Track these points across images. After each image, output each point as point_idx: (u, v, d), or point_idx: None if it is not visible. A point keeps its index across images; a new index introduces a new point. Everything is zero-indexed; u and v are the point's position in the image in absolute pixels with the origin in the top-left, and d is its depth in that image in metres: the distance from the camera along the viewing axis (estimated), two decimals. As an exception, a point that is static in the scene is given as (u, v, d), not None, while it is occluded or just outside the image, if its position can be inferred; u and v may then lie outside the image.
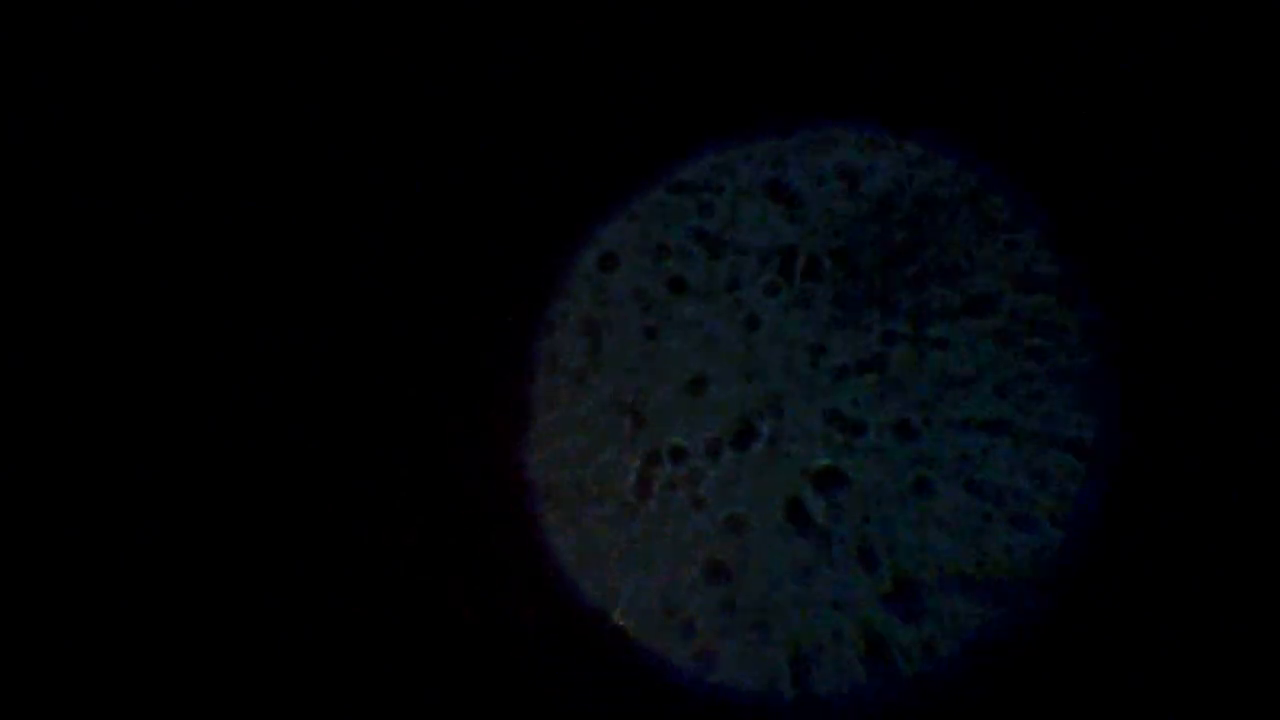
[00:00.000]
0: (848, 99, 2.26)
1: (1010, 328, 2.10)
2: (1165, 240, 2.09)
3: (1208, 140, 2.11)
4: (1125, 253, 2.10)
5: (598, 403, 2.19)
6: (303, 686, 2.07)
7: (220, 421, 2.20)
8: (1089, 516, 1.98)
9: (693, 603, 2.05)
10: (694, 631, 2.03)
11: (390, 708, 2.05)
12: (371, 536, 2.15)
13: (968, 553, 1.99)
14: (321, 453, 2.19)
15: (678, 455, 2.14)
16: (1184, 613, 1.90)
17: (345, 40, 2.36)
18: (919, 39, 2.24)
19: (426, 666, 2.07)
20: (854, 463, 2.08)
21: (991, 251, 2.15)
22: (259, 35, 2.35)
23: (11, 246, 2.26)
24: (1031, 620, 1.94)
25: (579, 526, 2.12)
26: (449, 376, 2.23)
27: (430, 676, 2.06)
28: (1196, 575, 1.91)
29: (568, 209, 2.30)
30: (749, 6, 2.30)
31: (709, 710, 2.00)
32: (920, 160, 2.21)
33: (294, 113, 2.35)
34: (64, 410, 2.20)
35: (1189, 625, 1.89)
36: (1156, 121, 2.14)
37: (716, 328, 2.20)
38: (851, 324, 2.16)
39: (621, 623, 2.05)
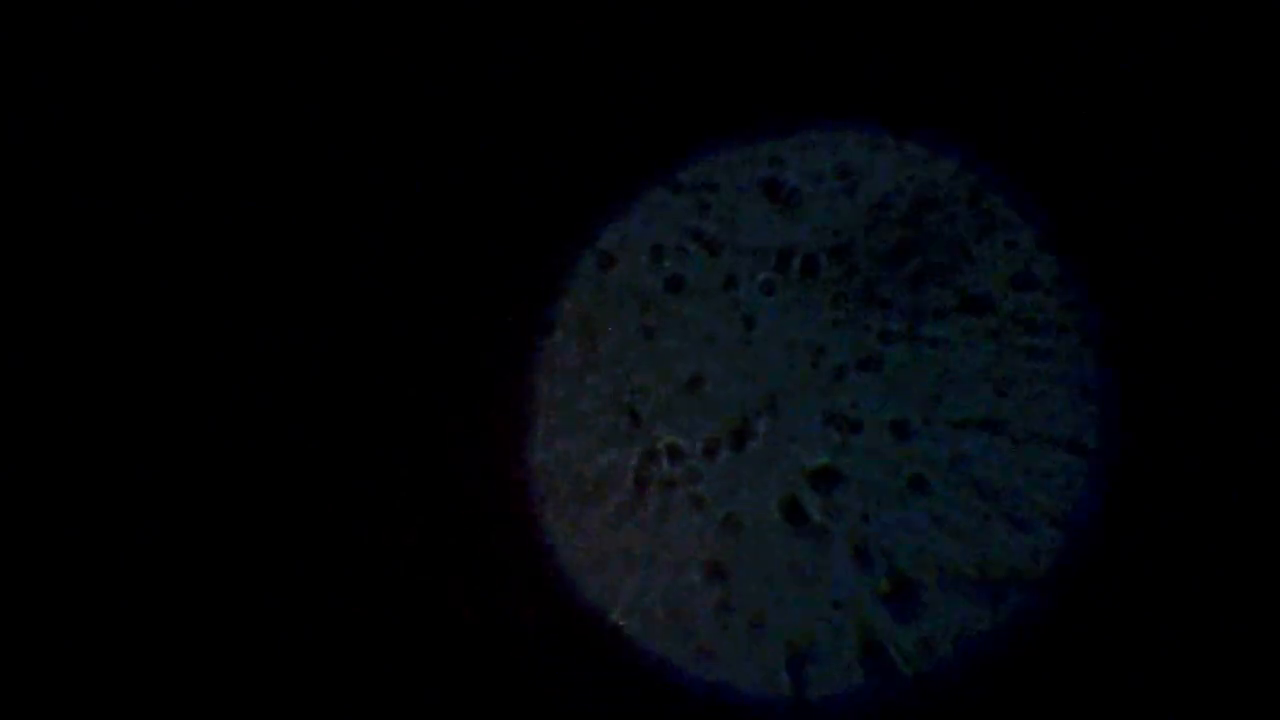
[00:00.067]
0: (848, 99, 2.26)
1: (1008, 327, 2.10)
2: (1165, 240, 2.09)
3: (1208, 140, 2.11)
4: (1125, 253, 2.10)
5: (596, 402, 2.19)
6: (303, 686, 2.07)
7: (220, 421, 2.20)
8: (1089, 516, 1.98)
9: (690, 602, 2.05)
10: (692, 631, 2.03)
11: (390, 708, 2.05)
12: (371, 536, 2.15)
13: (965, 553, 1.99)
14: (321, 453, 2.19)
15: (675, 454, 2.14)
16: (1184, 613, 1.89)
17: (345, 40, 2.36)
18: (919, 39, 2.24)
19: (426, 666, 2.07)
20: (851, 462, 2.08)
21: (990, 251, 2.15)
22: (259, 35, 2.35)
23: (11, 246, 2.27)
24: (1031, 620, 1.94)
25: (578, 526, 2.12)
26: (449, 376, 2.24)
27: (430, 676, 2.06)
28: (1196, 575, 1.91)
29: (568, 209, 2.30)
30: (749, 6, 2.30)
31: (708, 710, 2.00)
32: (920, 160, 2.21)
33: (294, 113, 2.35)
34: (64, 410, 2.20)
35: (1189, 625, 1.89)
36: (1156, 121, 2.14)
37: (714, 327, 2.20)
38: (849, 323, 2.16)
39: (621, 623, 2.06)
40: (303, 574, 2.13)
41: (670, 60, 2.32)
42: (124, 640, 2.09)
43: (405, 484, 2.17)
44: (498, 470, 2.18)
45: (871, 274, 2.17)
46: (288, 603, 2.11)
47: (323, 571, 2.13)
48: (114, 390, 2.21)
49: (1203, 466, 1.95)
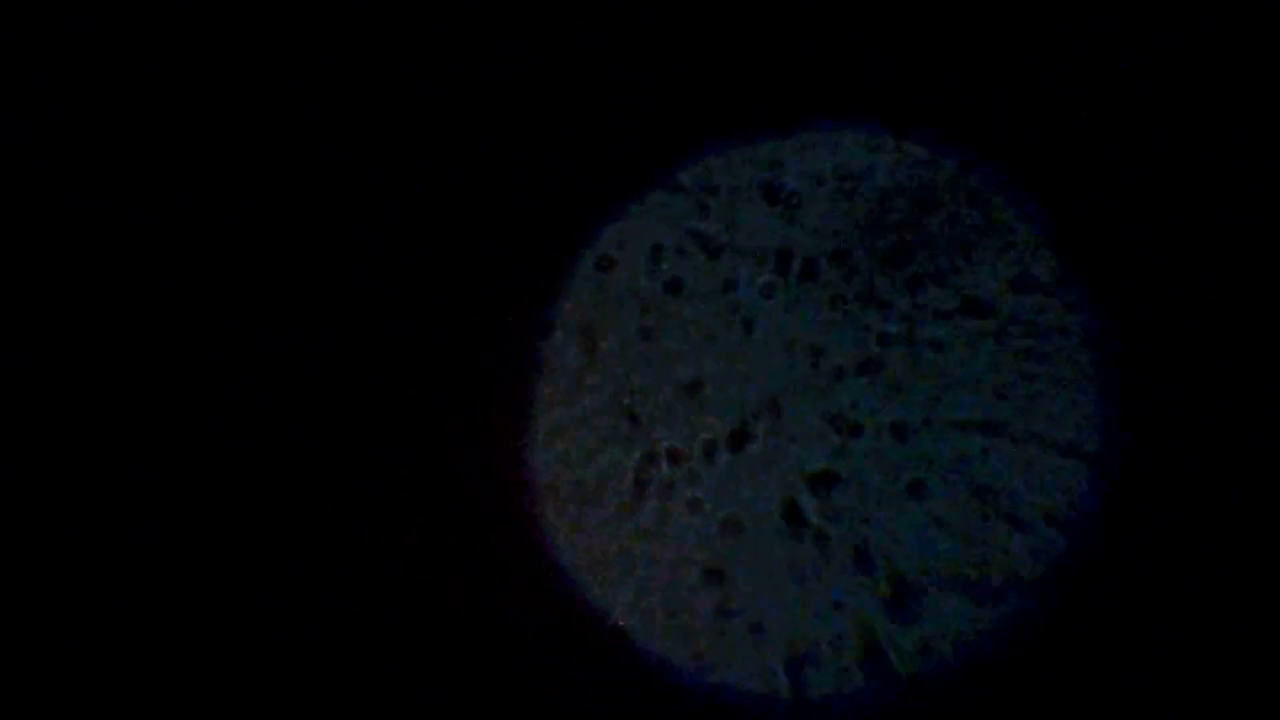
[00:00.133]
0: (848, 99, 2.26)
1: (1008, 329, 2.10)
2: (1165, 240, 2.08)
3: (1208, 140, 2.11)
4: (1125, 253, 2.10)
5: (595, 404, 2.19)
6: (303, 686, 2.07)
7: (220, 421, 2.20)
8: (1089, 517, 1.98)
9: (689, 605, 2.05)
10: (691, 633, 2.03)
11: (390, 708, 2.05)
12: (371, 536, 2.15)
13: (965, 554, 1.99)
14: (321, 453, 2.19)
15: (674, 457, 2.14)
16: (1184, 613, 1.89)
17: (345, 40, 2.35)
18: (919, 39, 2.24)
19: (426, 666, 2.07)
20: (850, 464, 2.08)
21: (989, 252, 2.14)
22: (259, 35, 2.35)
23: (11, 246, 2.27)
24: (1030, 621, 1.94)
25: (578, 527, 2.13)
26: (449, 376, 2.24)
27: (430, 676, 2.07)
28: (1196, 575, 1.91)
29: (568, 209, 2.30)
30: (749, 6, 2.30)
31: (708, 711, 2.00)
32: (920, 160, 2.21)
33: (294, 113, 2.35)
34: (64, 410, 2.20)
35: (1189, 625, 1.89)
36: (1156, 121, 2.14)
37: (713, 329, 2.20)
38: (848, 326, 2.15)
39: (621, 623, 2.06)
40: (303, 574, 2.13)
41: (670, 60, 2.31)
42: (124, 640, 2.09)
43: (405, 484, 2.17)
44: (498, 470, 2.18)
45: (871, 276, 2.17)
46: (288, 603, 2.11)
47: (323, 571, 2.13)
48: (114, 390, 2.21)
49: (1203, 466, 1.95)
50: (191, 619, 2.10)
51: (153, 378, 2.22)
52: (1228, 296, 2.03)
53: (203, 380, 2.23)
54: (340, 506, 2.16)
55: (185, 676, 2.08)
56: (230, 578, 2.12)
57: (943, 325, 2.12)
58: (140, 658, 2.09)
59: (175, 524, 2.15)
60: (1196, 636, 1.87)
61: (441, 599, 2.11)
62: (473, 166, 2.33)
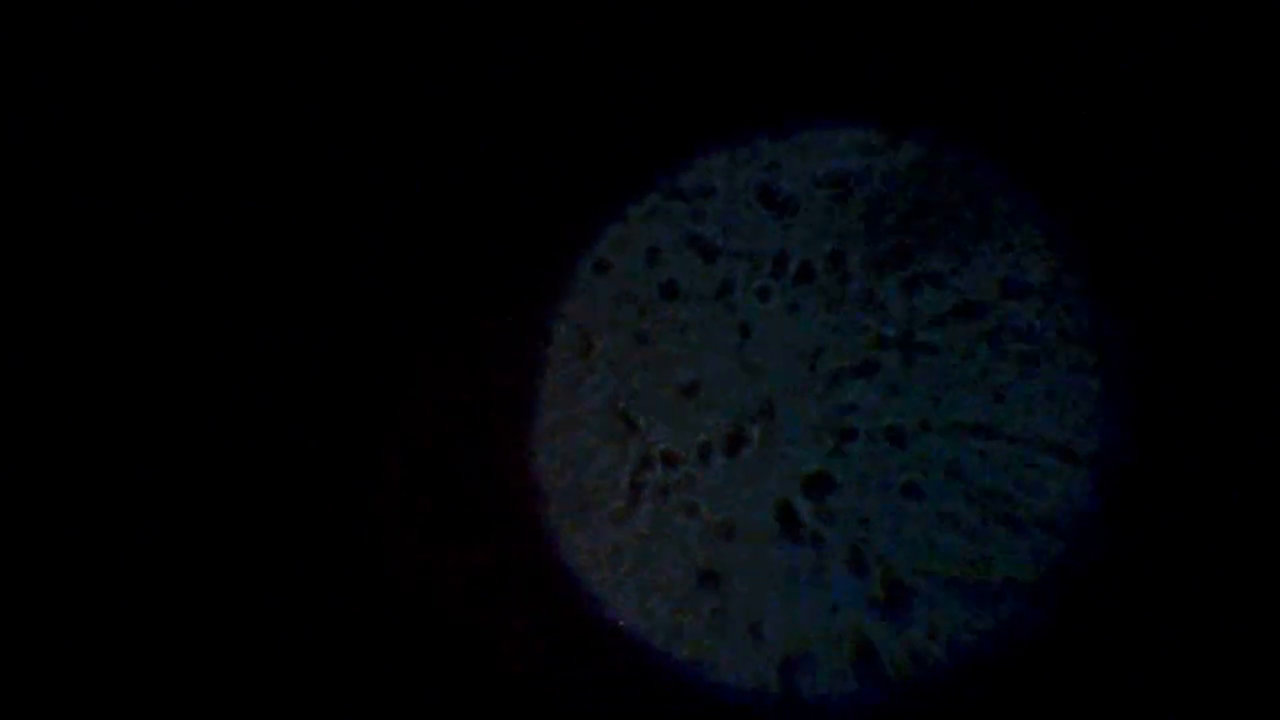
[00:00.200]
0: (848, 99, 2.26)
1: (1005, 331, 2.10)
2: (1165, 240, 2.08)
3: (1208, 140, 2.11)
4: (1125, 253, 2.10)
5: (593, 406, 2.19)
6: (303, 686, 2.07)
7: (220, 421, 2.20)
8: (1087, 518, 1.98)
9: (685, 607, 2.05)
10: (688, 636, 2.03)
11: (390, 708, 2.05)
12: (371, 536, 2.15)
13: (961, 557, 1.99)
14: (321, 453, 2.19)
15: (670, 460, 2.14)
16: (1184, 613, 1.89)
17: (345, 40, 2.36)
18: (919, 39, 2.24)
19: (426, 667, 2.07)
20: (846, 467, 2.08)
21: (988, 254, 2.15)
22: (259, 35, 2.35)
23: (12, 246, 2.27)
24: (1029, 622, 1.94)
25: (577, 528, 2.12)
26: (449, 376, 2.24)
27: (430, 677, 2.06)
28: (1196, 575, 1.91)
29: (567, 209, 2.30)
30: (749, 6, 2.30)
31: (707, 711, 2.00)
32: (920, 160, 2.21)
33: (294, 113, 2.35)
34: (64, 410, 2.20)
35: (1189, 625, 1.89)
36: (1156, 121, 2.14)
37: (709, 332, 2.20)
38: (844, 329, 2.15)
39: (621, 623, 2.06)
40: (303, 574, 2.13)
41: (670, 60, 2.32)
42: (124, 640, 2.09)
43: (405, 484, 2.17)
44: (498, 470, 2.18)
45: (867, 279, 2.17)
46: (288, 603, 2.11)
47: (323, 571, 2.13)
48: (114, 390, 2.21)
49: (1203, 467, 1.95)
50: (191, 619, 2.10)
51: (153, 378, 2.22)
52: (1228, 296, 2.03)
53: (203, 380, 2.23)
54: (340, 506, 2.16)
55: (185, 676, 2.07)
56: (230, 578, 2.12)
57: (939, 328, 2.12)
58: (140, 657, 2.08)
59: (175, 524, 2.15)
60: (1196, 636, 1.87)
61: (442, 599, 2.11)
62: (473, 166, 2.33)
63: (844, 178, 2.22)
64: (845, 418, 2.11)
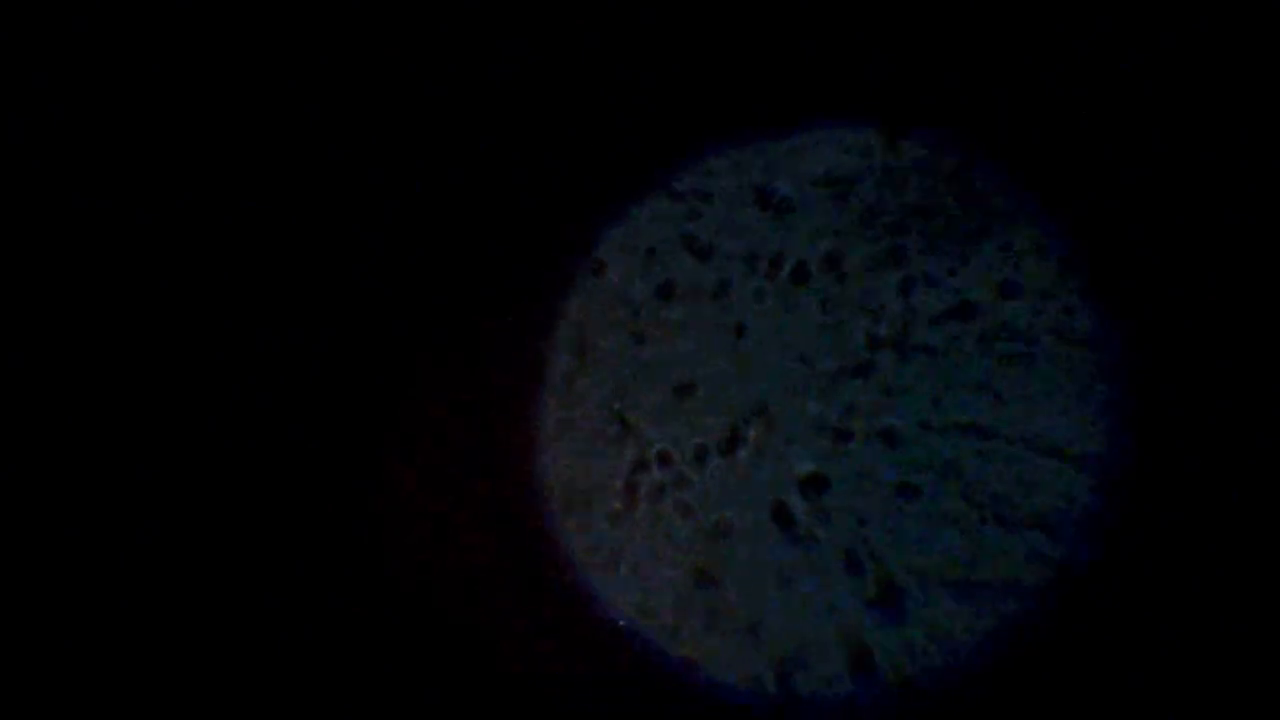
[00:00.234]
0: (848, 99, 2.26)
1: (1004, 331, 2.10)
2: (1165, 240, 2.08)
3: (1208, 140, 2.11)
4: (1125, 253, 2.10)
5: (589, 407, 2.19)
6: (303, 686, 2.07)
7: (220, 421, 2.20)
8: (1086, 519, 1.98)
9: (680, 607, 2.05)
10: (682, 636, 2.04)
11: (390, 708, 2.05)
12: (371, 536, 2.15)
13: (956, 557, 1.99)
14: (321, 453, 2.19)
15: (665, 461, 2.14)
16: (1184, 613, 1.89)
17: (345, 40, 2.36)
18: (919, 39, 2.24)
19: (426, 666, 2.07)
20: (841, 468, 2.08)
21: (987, 254, 2.15)
22: (259, 35, 2.35)
23: (12, 246, 2.27)
24: (1028, 623, 1.94)
25: (577, 528, 2.13)
26: (449, 376, 2.24)
27: (430, 676, 2.06)
28: (1196, 575, 1.91)
29: (567, 209, 2.30)
30: (749, 6, 2.30)
31: (705, 711, 2.00)
32: (919, 160, 2.21)
33: (294, 113, 2.35)
34: (64, 410, 2.20)
35: (1189, 625, 1.89)
36: (1156, 121, 2.14)
37: (705, 333, 2.20)
38: (840, 329, 2.15)
39: (622, 623, 2.06)
40: (303, 574, 2.13)
41: (670, 60, 2.32)
42: (124, 640, 2.09)
43: (405, 484, 2.17)
44: (497, 470, 2.18)
45: (863, 279, 2.17)
46: (288, 603, 2.11)
47: (323, 571, 2.13)
48: (114, 390, 2.21)
49: (1203, 467, 1.95)
50: (192, 619, 2.10)
51: (153, 378, 2.22)
52: (1228, 296, 2.03)
53: (203, 380, 2.23)
54: (340, 506, 2.16)
55: (186, 676, 2.07)
56: (230, 578, 2.12)
57: (937, 328, 2.12)
58: (140, 657, 2.08)
59: (175, 524, 2.15)
60: (1196, 636, 1.87)
61: (440, 599, 2.11)
62: (473, 166, 2.33)
63: (840, 178, 2.22)
64: (841, 418, 2.11)
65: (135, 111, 2.33)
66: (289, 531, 2.14)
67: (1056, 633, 1.93)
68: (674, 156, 2.30)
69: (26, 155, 2.30)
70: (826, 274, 2.18)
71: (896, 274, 2.16)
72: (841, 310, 2.16)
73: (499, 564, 2.13)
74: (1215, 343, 2.01)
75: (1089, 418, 2.02)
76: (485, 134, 2.34)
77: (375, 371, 2.23)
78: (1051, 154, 2.17)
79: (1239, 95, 2.12)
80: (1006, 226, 2.15)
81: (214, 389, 2.22)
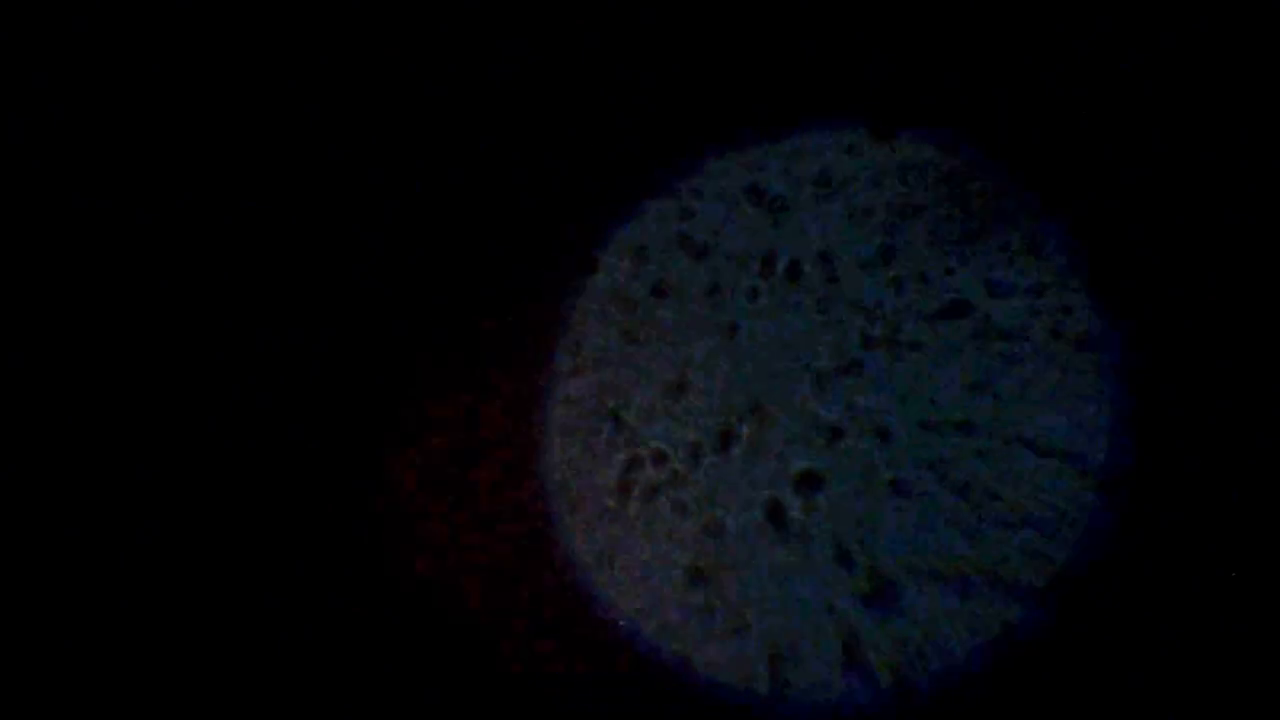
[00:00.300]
0: (848, 99, 2.26)
1: (1001, 330, 2.10)
2: (1165, 240, 2.08)
3: (1208, 140, 2.11)
4: (1125, 253, 2.10)
5: (588, 406, 2.20)
6: (303, 686, 2.07)
7: (220, 421, 2.20)
8: (1085, 518, 1.98)
9: (675, 605, 2.05)
10: (676, 633, 2.04)
11: (390, 708, 2.05)
12: (371, 537, 2.15)
13: (950, 555, 1.99)
14: (321, 453, 2.19)
15: (659, 459, 2.14)
16: (1184, 613, 1.89)
17: (345, 40, 2.36)
18: (919, 39, 2.24)
19: (426, 666, 2.07)
20: (834, 466, 2.08)
21: (986, 253, 2.15)
22: (259, 35, 2.35)
23: (12, 246, 2.27)
24: (1024, 621, 1.94)
25: (577, 528, 2.13)
26: (449, 376, 2.24)
27: (430, 676, 2.06)
28: (1196, 576, 1.91)
29: (567, 209, 2.30)
30: (749, 6, 2.30)
31: (706, 711, 2.00)
32: (919, 160, 2.21)
33: (294, 113, 2.35)
34: (64, 410, 2.20)
35: (1189, 625, 1.89)
36: (1156, 121, 2.14)
37: (698, 332, 2.20)
38: (833, 328, 2.16)
39: (621, 623, 2.06)
40: (303, 574, 2.13)
41: (670, 60, 2.32)
42: (124, 640, 2.09)
43: (405, 484, 2.17)
44: (497, 470, 2.18)
45: (855, 279, 2.17)
46: (288, 603, 2.11)
47: (323, 571, 2.13)
48: (114, 390, 2.21)
49: (1203, 467, 1.95)
50: (192, 619, 2.10)
51: (153, 378, 2.22)
52: (1228, 296, 2.03)
53: (203, 380, 2.23)
54: (340, 506, 2.16)
55: (186, 676, 2.07)
56: (231, 577, 2.12)
57: (930, 327, 2.12)
58: (140, 657, 2.08)
59: (175, 524, 2.15)
60: (1196, 636, 1.87)
61: (441, 599, 2.11)
62: (473, 166, 2.33)
63: (835, 177, 2.22)
64: (834, 416, 2.11)
65: (135, 111, 2.33)
66: (289, 531, 2.14)
67: (1056, 632, 1.93)
68: (674, 157, 2.30)
69: (26, 155, 2.30)
70: (819, 272, 2.18)
71: (889, 273, 2.16)
72: (835, 309, 2.16)
73: (499, 564, 2.13)
74: (1215, 343, 2.01)
75: (1088, 417, 2.02)
76: (485, 134, 2.34)
77: (375, 371, 2.23)
78: (1051, 154, 2.17)
79: (1239, 95, 2.12)
80: (1006, 226, 2.15)
81: (214, 389, 2.22)
